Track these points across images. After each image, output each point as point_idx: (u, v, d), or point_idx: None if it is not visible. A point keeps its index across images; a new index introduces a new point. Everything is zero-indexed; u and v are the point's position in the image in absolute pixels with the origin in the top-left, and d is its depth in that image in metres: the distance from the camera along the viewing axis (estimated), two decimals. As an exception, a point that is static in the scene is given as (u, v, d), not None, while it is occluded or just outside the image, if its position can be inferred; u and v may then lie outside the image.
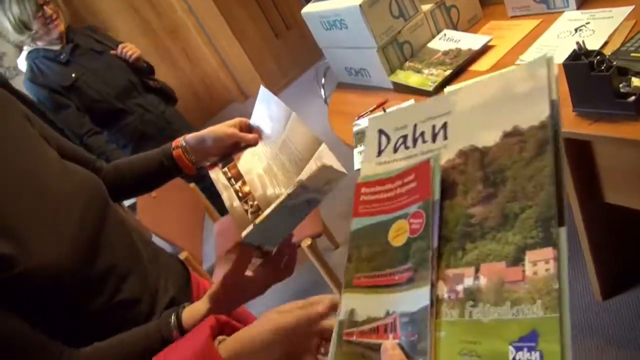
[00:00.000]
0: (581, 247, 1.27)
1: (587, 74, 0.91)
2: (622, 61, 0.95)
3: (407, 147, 0.52)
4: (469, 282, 0.40)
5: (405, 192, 0.49)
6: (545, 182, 0.40)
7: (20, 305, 0.69)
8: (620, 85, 0.92)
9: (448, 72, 1.37)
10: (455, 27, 1.57)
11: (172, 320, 0.72)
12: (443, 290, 0.42)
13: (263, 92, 0.90)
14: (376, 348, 0.43)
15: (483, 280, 0.40)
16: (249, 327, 0.53)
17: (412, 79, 1.44)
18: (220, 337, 0.54)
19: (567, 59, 0.95)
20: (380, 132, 0.56)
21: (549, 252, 0.37)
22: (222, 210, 2.44)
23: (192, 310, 0.73)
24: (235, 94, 4.73)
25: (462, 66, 1.38)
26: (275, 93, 3.71)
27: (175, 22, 4.38)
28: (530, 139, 0.42)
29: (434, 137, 0.50)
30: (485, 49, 1.40)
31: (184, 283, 0.96)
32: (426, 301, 0.42)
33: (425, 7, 1.52)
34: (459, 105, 0.49)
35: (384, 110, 1.43)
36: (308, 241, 1.72)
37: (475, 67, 1.37)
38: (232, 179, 0.83)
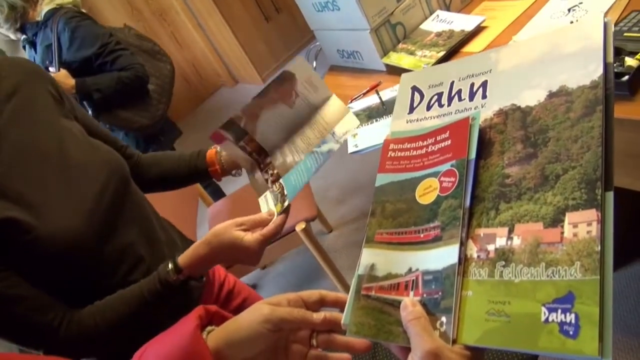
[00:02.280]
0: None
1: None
2: (616, 41, 0.95)
3: (441, 105, 0.51)
4: (501, 242, 0.40)
5: (438, 150, 0.48)
6: (592, 143, 0.39)
7: (33, 271, 0.72)
8: (614, 65, 0.91)
9: (441, 53, 1.36)
10: (448, 8, 1.56)
11: (170, 266, 0.76)
12: (473, 249, 0.41)
13: (302, 62, 0.89)
14: (396, 304, 0.42)
15: (517, 241, 0.39)
16: (238, 317, 0.52)
17: (405, 60, 1.43)
18: (209, 328, 0.53)
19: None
20: (414, 88, 0.55)
21: (592, 213, 0.36)
22: (215, 195, 2.44)
23: (190, 252, 0.77)
24: (225, 78, 4.69)
25: (455, 47, 1.37)
26: (267, 77, 3.71)
27: (163, 5, 4.31)
28: (578, 99, 0.41)
29: (472, 96, 0.49)
30: (478, 30, 1.40)
31: None
32: (454, 259, 0.41)
33: (418, -12, 1.50)
34: (502, 64, 0.48)
35: (377, 93, 1.42)
36: (302, 225, 1.72)
37: (468, 48, 1.36)
38: (254, 153, 0.85)
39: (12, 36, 1.86)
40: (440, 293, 0.40)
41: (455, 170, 0.45)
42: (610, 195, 0.37)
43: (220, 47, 4.45)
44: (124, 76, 1.84)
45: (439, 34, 1.44)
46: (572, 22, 0.93)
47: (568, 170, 0.39)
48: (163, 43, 4.39)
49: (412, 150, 0.50)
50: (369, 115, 1.35)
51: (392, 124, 0.54)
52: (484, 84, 0.48)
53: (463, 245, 0.41)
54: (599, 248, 0.35)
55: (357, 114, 1.26)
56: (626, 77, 0.89)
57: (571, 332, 0.33)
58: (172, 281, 0.74)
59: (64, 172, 0.77)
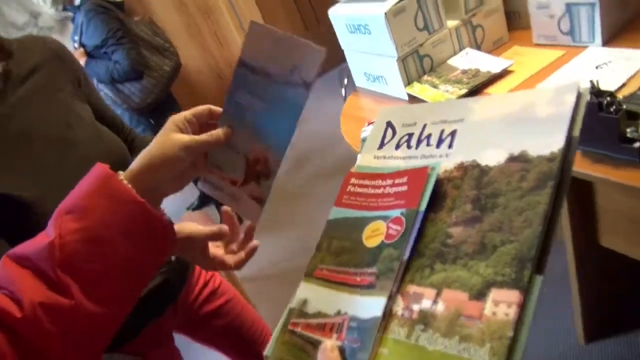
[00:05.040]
0: (570, 286, 1.26)
1: (595, 113, 0.90)
2: (634, 105, 0.94)
3: (409, 147, 0.50)
4: (426, 304, 0.39)
5: (394, 194, 0.47)
6: (534, 220, 0.37)
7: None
8: (628, 130, 0.90)
9: (463, 91, 1.37)
10: (478, 47, 1.56)
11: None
12: (399, 305, 0.40)
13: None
14: (317, 344, 0.42)
15: (441, 307, 0.38)
16: (152, 146, 0.55)
17: (427, 93, 1.44)
18: (120, 172, 0.55)
19: (579, 96, 0.95)
20: (389, 124, 0.54)
21: (515, 295, 0.35)
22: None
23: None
24: (259, 82, 4.76)
25: (478, 87, 1.37)
26: None
27: (209, 3, 4.41)
28: (533, 169, 0.39)
29: (439, 143, 0.48)
30: (504, 73, 1.39)
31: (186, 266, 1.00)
32: (379, 312, 0.40)
33: (451, 24, 1.51)
34: (476, 115, 0.47)
35: (395, 121, 1.43)
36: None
37: (491, 89, 1.36)
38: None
39: (57, 17, 2.11)
40: (359, 343, 0.40)
41: (404, 219, 0.44)
42: (538, 280, 0.35)
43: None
44: (115, 70, 2.20)
45: (464, 72, 1.45)
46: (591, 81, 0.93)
47: (505, 244, 0.37)
48: (204, 39, 4.50)
49: (369, 188, 0.49)
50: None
51: (361, 157, 0.54)
52: (453, 133, 0.47)
53: (391, 299, 0.41)
54: (512, 334, 0.33)
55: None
56: (638, 144, 0.88)
57: None
58: None
59: (65, 157, 0.80)
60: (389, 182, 0.48)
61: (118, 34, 2.17)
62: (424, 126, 0.49)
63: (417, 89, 1.48)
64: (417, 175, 0.46)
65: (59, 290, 0.46)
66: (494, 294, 0.35)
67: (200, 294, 1.03)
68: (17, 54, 0.84)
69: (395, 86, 1.55)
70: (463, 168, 0.44)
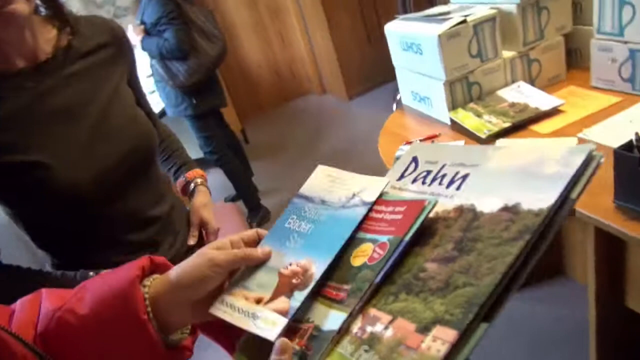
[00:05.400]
0: (588, 344, 1.20)
1: (634, 167, 0.86)
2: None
3: (423, 183, 0.52)
4: (379, 327, 0.41)
5: (389, 221, 0.49)
6: (498, 269, 0.38)
7: (40, 211, 0.81)
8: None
9: (507, 124, 1.33)
10: (532, 82, 1.51)
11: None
12: (357, 324, 0.43)
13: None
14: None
15: (389, 333, 0.40)
16: (183, 263, 0.53)
17: (469, 121, 1.41)
18: (154, 276, 0.54)
19: (621, 146, 0.90)
20: (414, 159, 0.56)
21: (453, 335, 0.36)
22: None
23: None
24: (315, 85, 4.81)
25: (523, 123, 1.33)
26: (353, 95, 3.84)
27: (278, 3, 4.51)
28: (518, 222, 0.40)
29: (450, 184, 0.49)
30: (553, 112, 1.35)
31: None
32: (336, 326, 0.43)
33: (507, 54, 1.48)
34: (491, 163, 0.48)
35: (432, 143, 1.41)
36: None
37: (536, 127, 1.32)
38: None
39: None
40: (311, 351, 0.43)
41: (388, 245, 0.46)
42: (482, 326, 0.35)
43: (319, 55, 4.58)
44: (164, 46, 2.44)
45: (512, 105, 1.41)
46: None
47: (466, 286, 0.38)
48: (269, 36, 4.60)
49: (373, 212, 0.52)
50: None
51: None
52: (465, 177, 0.48)
53: (352, 317, 0.43)
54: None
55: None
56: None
57: None
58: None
59: (96, 133, 0.85)
60: (390, 209, 0.50)
61: (172, 14, 2.39)
62: (443, 166, 0.51)
63: (460, 115, 1.45)
64: (414, 207, 0.47)
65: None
66: (437, 330, 0.37)
67: None
68: (83, 31, 0.90)
69: (440, 109, 1.53)
70: (460, 210, 0.45)
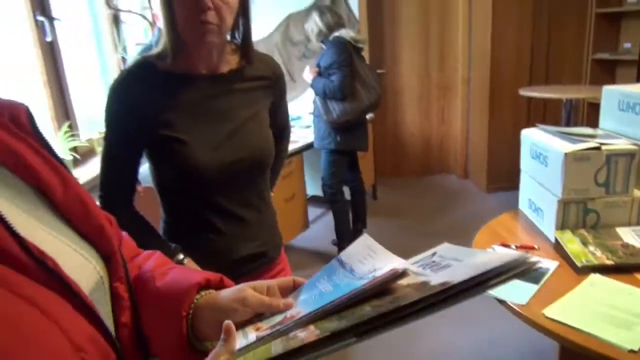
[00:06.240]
0: None
1: None
2: None
3: (424, 268, 0.58)
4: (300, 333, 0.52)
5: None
6: (348, 320, 0.49)
7: (169, 174, 1.11)
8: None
9: (610, 262, 1.26)
10: (661, 231, 1.40)
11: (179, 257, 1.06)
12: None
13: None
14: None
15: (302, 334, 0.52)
16: (229, 291, 0.65)
17: (573, 245, 1.37)
18: (210, 291, 0.67)
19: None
20: (434, 252, 0.62)
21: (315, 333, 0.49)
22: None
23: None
24: (459, 167, 4.81)
25: (629, 267, 1.25)
26: (490, 190, 3.85)
27: (449, 82, 4.68)
28: (419, 291, 0.49)
29: (432, 269, 0.56)
30: (668, 268, 1.24)
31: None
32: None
33: (638, 194, 1.40)
34: (471, 260, 0.55)
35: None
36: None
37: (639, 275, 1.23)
38: None
39: (318, 46, 3.10)
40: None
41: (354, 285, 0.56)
42: (351, 340, 0.48)
43: (472, 141, 4.60)
44: (328, 87, 2.89)
45: (625, 245, 1.33)
46: None
47: (336, 321, 0.51)
48: (431, 109, 4.76)
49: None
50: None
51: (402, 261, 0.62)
52: (447, 266, 0.55)
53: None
54: (251, 344, 0.53)
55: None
56: None
57: None
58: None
59: (231, 135, 1.11)
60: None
61: (343, 62, 2.85)
62: (443, 259, 0.58)
63: (565, 237, 1.41)
64: (392, 273, 0.54)
65: None
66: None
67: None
68: (254, 62, 1.17)
69: (548, 224, 1.50)
70: (422, 284, 0.52)
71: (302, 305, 0.59)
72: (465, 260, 0.55)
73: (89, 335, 0.50)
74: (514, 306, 1.17)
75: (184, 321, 0.63)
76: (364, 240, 0.66)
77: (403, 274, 0.52)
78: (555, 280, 1.27)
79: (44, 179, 0.57)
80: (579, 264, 1.28)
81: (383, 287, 0.53)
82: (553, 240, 1.46)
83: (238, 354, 0.53)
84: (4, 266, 0.45)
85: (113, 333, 0.57)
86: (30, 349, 0.42)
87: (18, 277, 0.45)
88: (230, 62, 1.14)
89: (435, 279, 0.51)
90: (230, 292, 0.65)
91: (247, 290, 0.64)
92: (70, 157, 2.10)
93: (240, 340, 0.56)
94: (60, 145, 2.00)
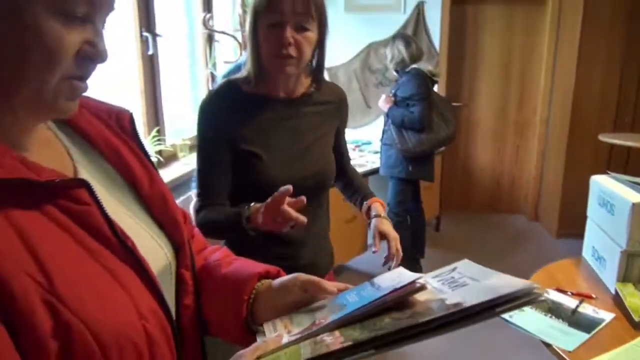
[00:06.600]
0: None
1: None
2: None
3: (443, 284, 0.63)
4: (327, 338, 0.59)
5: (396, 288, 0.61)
6: (373, 332, 0.54)
7: (243, 183, 1.21)
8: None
9: (671, 321, 1.21)
10: None
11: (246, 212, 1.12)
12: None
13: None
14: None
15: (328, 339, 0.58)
16: (283, 277, 0.74)
17: (633, 299, 1.32)
18: (269, 280, 0.75)
19: None
20: (454, 268, 0.68)
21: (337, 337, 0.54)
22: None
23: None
24: (529, 209, 4.65)
25: (692, 329, 1.19)
26: (560, 236, 3.82)
27: (528, 120, 4.55)
28: (433, 310, 0.55)
29: (450, 285, 0.62)
30: None
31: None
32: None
33: None
34: (487, 282, 0.59)
35: (580, 302, 1.37)
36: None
37: None
38: None
39: (394, 75, 3.18)
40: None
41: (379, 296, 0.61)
42: (370, 351, 0.53)
43: (546, 183, 4.43)
44: (407, 117, 2.98)
45: (692, 307, 1.26)
46: None
47: (357, 331, 0.56)
48: (505, 146, 4.66)
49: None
50: (550, 310, 1.34)
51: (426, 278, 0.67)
52: (464, 284, 0.60)
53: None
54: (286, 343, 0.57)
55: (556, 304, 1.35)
56: None
57: None
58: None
59: (301, 154, 1.22)
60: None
61: (422, 95, 2.95)
62: (462, 276, 0.63)
63: (626, 290, 1.36)
64: (410, 285, 0.60)
65: None
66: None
67: None
68: (323, 88, 1.28)
69: (610, 275, 1.46)
70: (435, 299, 0.58)
71: (330, 311, 0.66)
72: (482, 280, 0.60)
73: (152, 308, 0.59)
74: (559, 351, 1.16)
75: (245, 305, 0.72)
76: (397, 269, 0.70)
77: (422, 287, 0.58)
78: (608, 332, 1.24)
79: (135, 174, 0.69)
80: (635, 318, 1.24)
81: (402, 298, 0.58)
82: (613, 291, 1.41)
83: (270, 354, 0.58)
84: (99, 243, 0.56)
85: (173, 312, 0.66)
86: (106, 307, 0.52)
87: (107, 253, 0.56)
88: (302, 86, 1.26)
89: (451, 298, 0.56)
90: (284, 277, 0.74)
91: (299, 273, 0.72)
92: (156, 159, 2.32)
93: (270, 330, 0.65)
94: (149, 147, 2.22)
